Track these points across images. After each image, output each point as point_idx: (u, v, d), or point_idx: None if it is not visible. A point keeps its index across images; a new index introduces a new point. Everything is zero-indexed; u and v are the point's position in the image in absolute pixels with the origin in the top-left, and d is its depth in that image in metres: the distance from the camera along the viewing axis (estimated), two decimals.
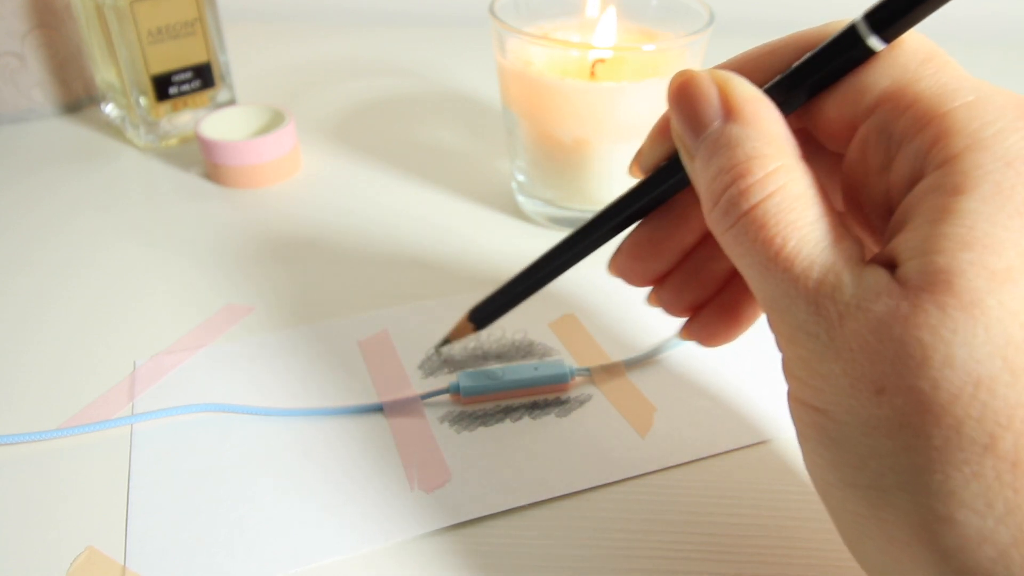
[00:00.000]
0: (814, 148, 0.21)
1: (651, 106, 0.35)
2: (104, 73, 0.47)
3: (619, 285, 0.36)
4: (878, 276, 0.16)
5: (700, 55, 0.36)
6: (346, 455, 0.27)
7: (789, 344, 0.18)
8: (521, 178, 0.40)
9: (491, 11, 0.36)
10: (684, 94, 0.19)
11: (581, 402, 0.30)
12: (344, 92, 0.56)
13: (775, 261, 0.17)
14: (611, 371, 0.31)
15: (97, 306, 0.35)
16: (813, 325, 0.17)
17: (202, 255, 0.38)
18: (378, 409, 0.29)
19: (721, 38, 0.45)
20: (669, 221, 0.23)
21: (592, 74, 0.36)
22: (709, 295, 0.25)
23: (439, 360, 0.32)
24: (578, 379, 0.31)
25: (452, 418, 0.29)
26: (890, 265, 0.17)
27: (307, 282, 0.36)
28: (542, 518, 0.26)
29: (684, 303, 0.25)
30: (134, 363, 0.31)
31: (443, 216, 0.41)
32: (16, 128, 0.50)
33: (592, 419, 0.29)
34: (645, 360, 0.32)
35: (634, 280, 0.25)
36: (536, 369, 0.30)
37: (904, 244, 0.17)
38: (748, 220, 0.18)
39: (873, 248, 0.21)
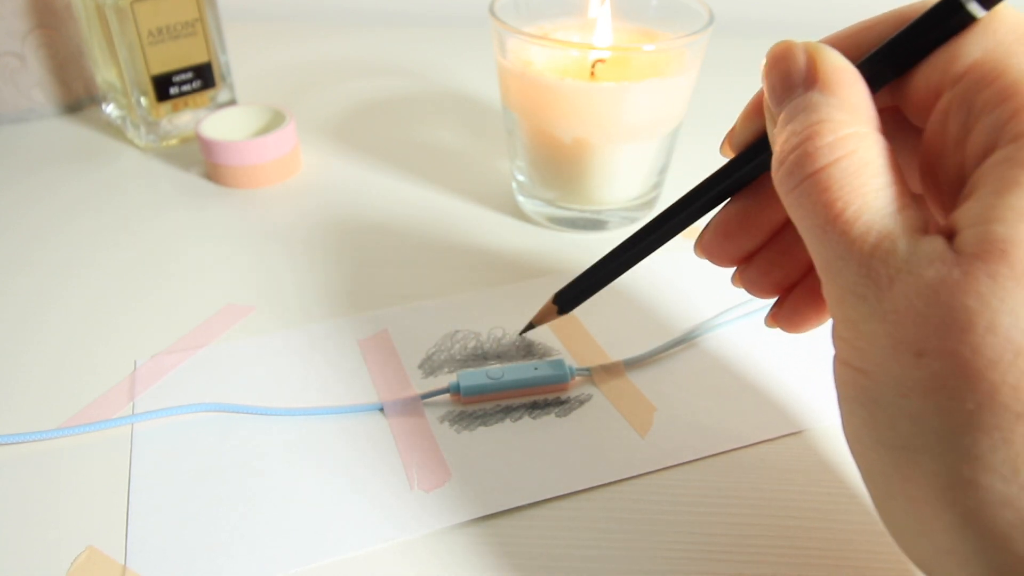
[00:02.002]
0: (901, 128, 0.21)
1: (651, 106, 0.35)
2: (104, 73, 0.47)
3: (619, 286, 0.36)
4: (934, 244, 0.17)
5: (700, 55, 0.36)
6: (346, 455, 0.27)
7: (838, 306, 0.18)
8: (521, 178, 0.40)
9: (491, 11, 0.36)
10: (775, 61, 0.20)
11: (581, 402, 0.30)
12: (344, 92, 0.56)
13: (834, 224, 0.18)
14: (611, 371, 0.31)
15: (97, 306, 0.35)
16: (862, 287, 0.17)
17: (202, 255, 0.38)
18: (378, 409, 0.29)
19: (721, 38, 0.44)
20: (759, 199, 0.23)
21: (592, 74, 0.36)
22: (796, 276, 0.24)
23: (519, 340, 0.32)
24: (578, 379, 0.31)
25: (452, 418, 0.29)
26: (950, 234, 0.17)
27: (307, 282, 0.36)
28: (542, 518, 0.26)
29: (770, 283, 0.25)
30: (134, 363, 0.31)
31: (443, 216, 0.41)
32: (16, 128, 0.50)
33: (592, 419, 0.29)
34: (645, 360, 0.32)
35: (720, 259, 0.25)
36: (536, 369, 0.30)
37: (966, 213, 0.17)
38: (812, 182, 0.18)
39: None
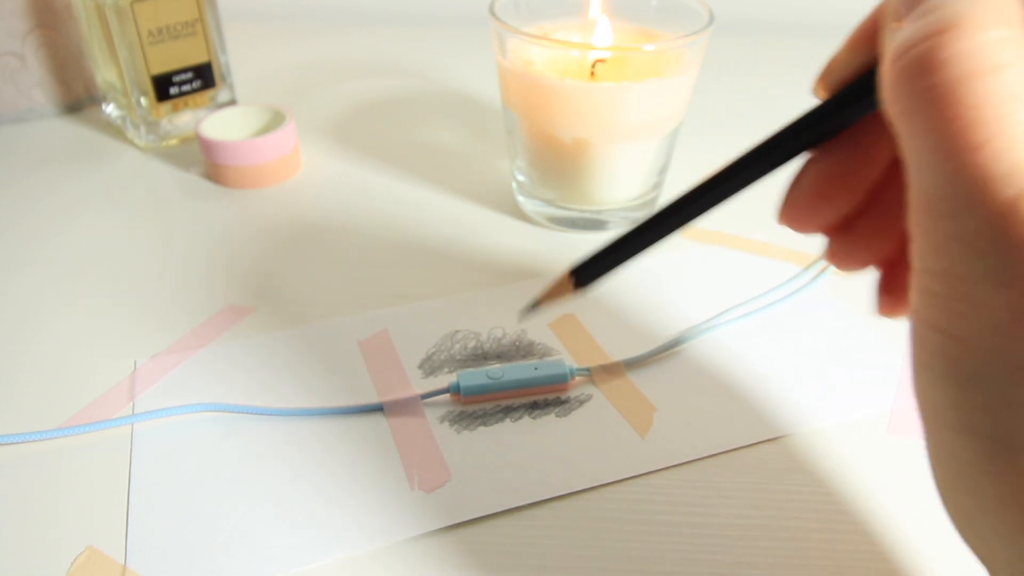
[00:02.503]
0: None
1: (651, 106, 0.35)
2: (105, 73, 0.47)
3: (619, 285, 0.36)
4: None
5: (700, 55, 0.36)
6: (346, 455, 0.27)
7: (936, 254, 0.15)
8: (521, 178, 0.40)
9: (491, 11, 0.36)
10: None
11: (581, 402, 0.30)
12: (344, 92, 0.56)
13: (962, 155, 0.14)
14: (611, 371, 0.31)
15: (97, 306, 0.35)
16: (985, 242, 0.14)
17: (202, 255, 0.38)
18: (378, 409, 0.29)
19: (721, 38, 0.45)
20: (859, 149, 0.19)
21: (592, 74, 0.36)
22: (902, 246, 0.20)
23: (528, 312, 0.26)
24: (578, 379, 0.31)
25: (452, 418, 0.29)
26: None
27: (307, 282, 0.36)
28: (542, 518, 0.26)
29: (872, 254, 0.21)
30: (134, 363, 0.31)
31: (443, 216, 0.41)
32: (16, 128, 0.50)
33: (592, 419, 0.29)
34: (645, 360, 0.32)
35: (810, 224, 0.21)
36: (536, 369, 0.30)
37: None
38: (937, 95, 0.14)
39: None
